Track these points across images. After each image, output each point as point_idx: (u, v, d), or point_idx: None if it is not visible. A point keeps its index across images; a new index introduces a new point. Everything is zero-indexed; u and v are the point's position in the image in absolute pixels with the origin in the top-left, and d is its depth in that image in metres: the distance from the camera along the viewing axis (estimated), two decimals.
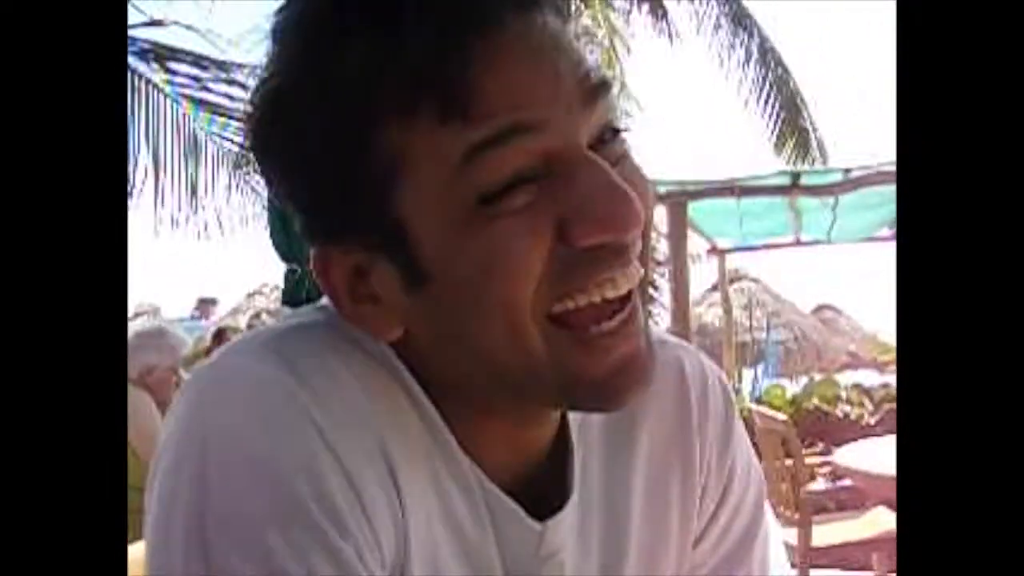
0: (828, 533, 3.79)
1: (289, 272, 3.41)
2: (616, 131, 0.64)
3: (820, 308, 24.20)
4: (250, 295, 21.15)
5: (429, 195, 0.60)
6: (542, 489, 0.73)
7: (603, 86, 0.62)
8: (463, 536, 0.69)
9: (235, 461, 0.59)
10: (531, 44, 0.60)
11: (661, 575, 0.79)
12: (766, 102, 10.55)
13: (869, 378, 9.00)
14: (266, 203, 3.48)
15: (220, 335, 4.73)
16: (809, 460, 4.30)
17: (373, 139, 0.59)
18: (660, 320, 8.66)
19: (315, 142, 0.61)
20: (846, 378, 7.57)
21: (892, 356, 11.84)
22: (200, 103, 7.29)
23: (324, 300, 0.70)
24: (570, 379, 0.63)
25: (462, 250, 0.59)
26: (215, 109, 7.30)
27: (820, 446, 5.52)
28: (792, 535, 3.61)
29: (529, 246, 0.59)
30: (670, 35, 10.77)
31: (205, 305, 9.92)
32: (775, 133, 10.55)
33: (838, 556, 4.13)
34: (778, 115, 10.52)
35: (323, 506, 0.59)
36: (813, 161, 10.37)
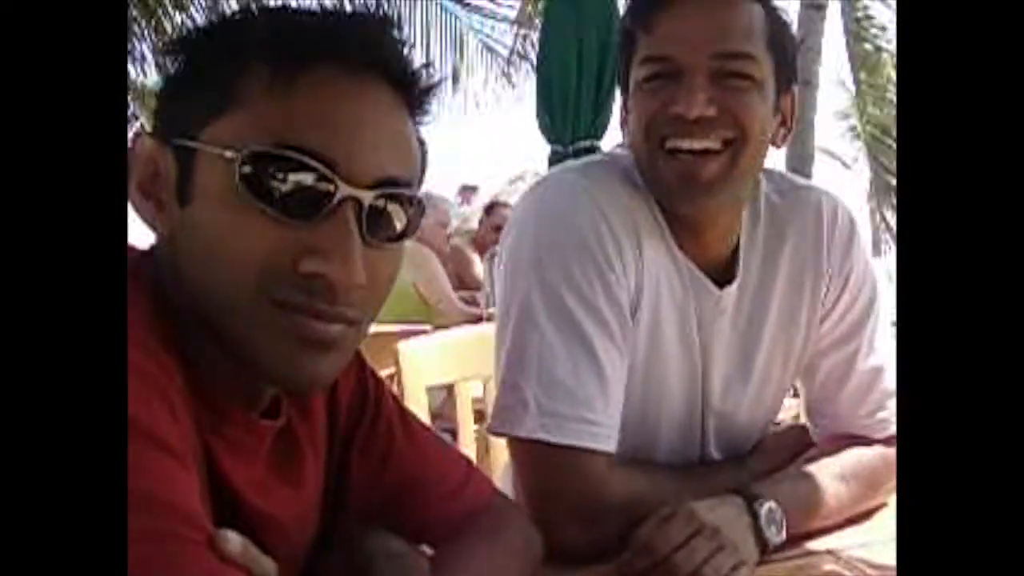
0: None
1: (553, 153, 3.90)
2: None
3: None
4: (512, 181, 22.15)
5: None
6: (721, 271, 1.18)
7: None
8: (674, 293, 1.15)
9: (554, 223, 1.10)
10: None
11: (791, 339, 1.22)
12: None
13: None
14: (536, 89, 3.94)
15: (492, 209, 5.36)
16: None
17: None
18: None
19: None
20: None
21: None
22: (466, 5, 8.27)
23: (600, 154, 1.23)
24: None
25: None
26: (479, 10, 8.27)
27: None
28: None
29: None
30: None
31: (467, 192, 10.60)
32: None
33: None
34: None
35: (600, 250, 1.08)
36: None
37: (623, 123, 1.18)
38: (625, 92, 1.16)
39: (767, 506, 1.04)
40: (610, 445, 1.06)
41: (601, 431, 1.05)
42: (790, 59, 1.13)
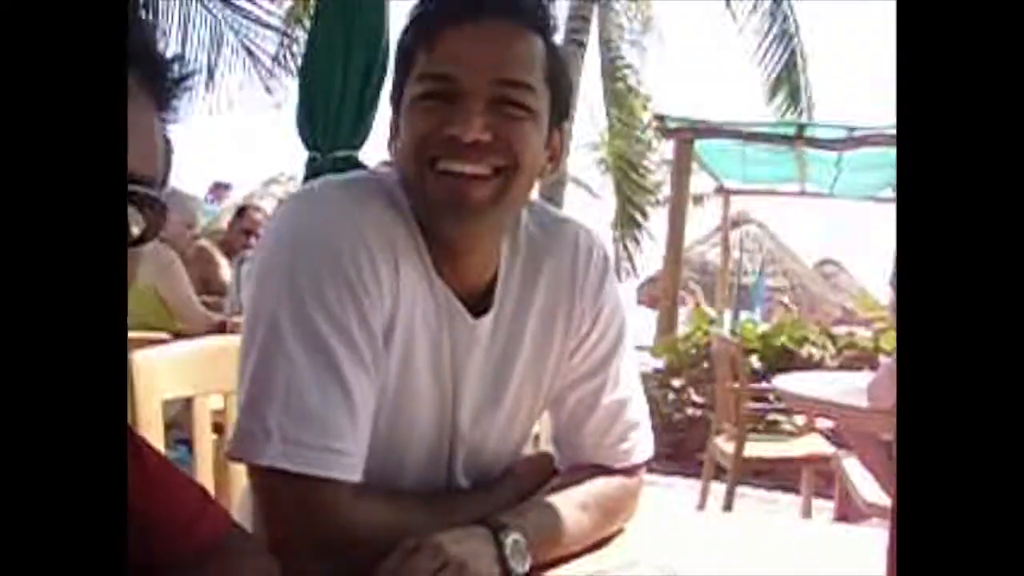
0: (766, 449, 4.26)
1: (310, 160, 3.81)
2: None
3: (823, 262, 24.54)
4: (266, 183, 21.64)
5: None
6: (478, 300, 1.17)
7: None
8: (428, 320, 1.13)
9: (309, 241, 1.04)
10: None
11: (542, 370, 1.23)
12: (766, 53, 10.61)
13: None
14: (297, 95, 3.84)
15: (243, 212, 5.15)
16: (761, 385, 4.72)
17: None
18: (647, 250, 9.02)
19: None
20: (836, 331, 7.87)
21: (880, 314, 12.25)
22: (228, 4, 8.04)
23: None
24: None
25: None
26: (241, 11, 8.06)
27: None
28: (731, 447, 4.07)
29: None
30: None
31: (219, 189, 10.17)
32: (768, 83, 10.61)
33: (773, 472, 4.61)
34: (775, 67, 10.58)
35: (356, 272, 1.03)
36: (800, 115, 10.47)
37: (392, 140, 1.14)
38: (397, 109, 1.12)
39: (512, 537, 1.03)
40: (356, 474, 1.02)
41: (347, 460, 1.01)
42: (565, 96, 1.15)
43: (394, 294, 1.08)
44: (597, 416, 1.27)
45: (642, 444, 1.30)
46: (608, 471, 1.26)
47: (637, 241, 9.06)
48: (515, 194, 1.09)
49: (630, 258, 9.45)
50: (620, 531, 1.26)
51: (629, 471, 1.28)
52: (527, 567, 1.04)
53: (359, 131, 3.74)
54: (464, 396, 1.18)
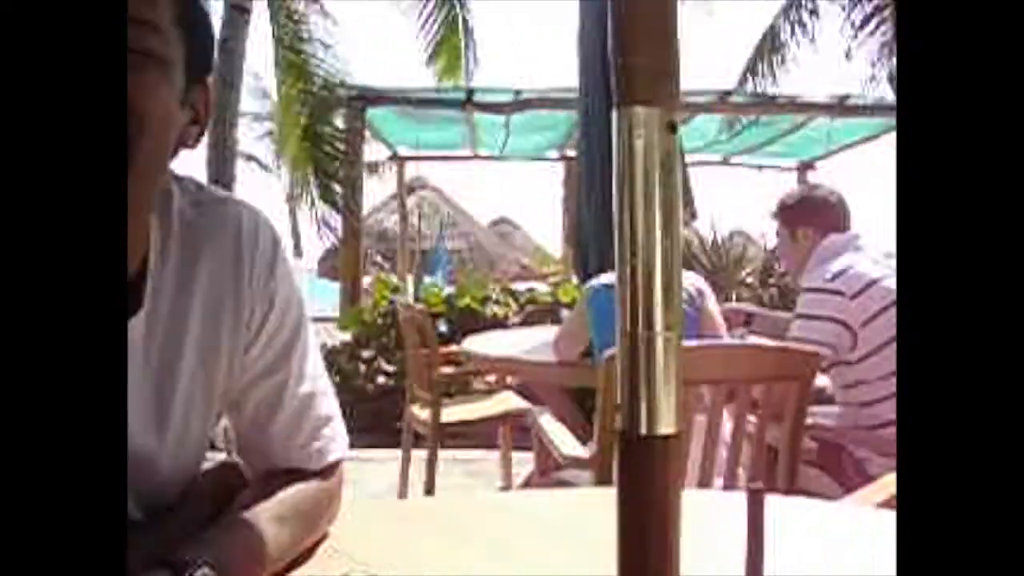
0: (462, 412, 4.30)
1: None
2: None
3: (498, 222, 25.58)
4: None
5: None
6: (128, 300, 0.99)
7: None
8: None
9: None
10: None
11: (213, 373, 1.08)
12: (428, 19, 10.70)
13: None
14: None
15: None
16: (450, 349, 4.74)
17: None
18: (335, 222, 8.84)
19: None
20: (517, 288, 8.13)
21: (555, 268, 12.90)
22: None
23: None
24: None
25: None
26: None
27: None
28: (427, 414, 4.06)
29: None
30: None
31: None
32: (430, 47, 10.74)
33: (469, 432, 4.66)
34: (438, 32, 10.71)
35: None
36: (467, 79, 10.69)
37: None
38: None
39: (200, 573, 0.88)
40: None
41: None
42: (204, 45, 1.00)
43: None
44: (283, 416, 1.13)
45: (336, 441, 1.18)
46: (303, 475, 1.13)
47: (338, 209, 8.69)
48: (147, 162, 0.92)
49: (333, 230, 9.10)
50: (326, 536, 1.15)
51: (325, 472, 1.16)
52: None
53: None
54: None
